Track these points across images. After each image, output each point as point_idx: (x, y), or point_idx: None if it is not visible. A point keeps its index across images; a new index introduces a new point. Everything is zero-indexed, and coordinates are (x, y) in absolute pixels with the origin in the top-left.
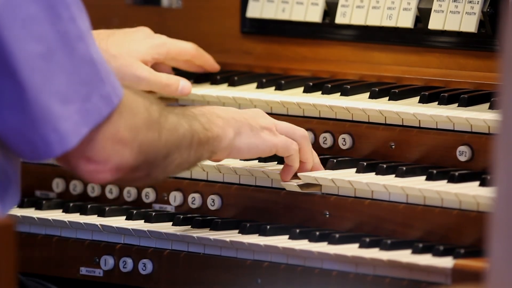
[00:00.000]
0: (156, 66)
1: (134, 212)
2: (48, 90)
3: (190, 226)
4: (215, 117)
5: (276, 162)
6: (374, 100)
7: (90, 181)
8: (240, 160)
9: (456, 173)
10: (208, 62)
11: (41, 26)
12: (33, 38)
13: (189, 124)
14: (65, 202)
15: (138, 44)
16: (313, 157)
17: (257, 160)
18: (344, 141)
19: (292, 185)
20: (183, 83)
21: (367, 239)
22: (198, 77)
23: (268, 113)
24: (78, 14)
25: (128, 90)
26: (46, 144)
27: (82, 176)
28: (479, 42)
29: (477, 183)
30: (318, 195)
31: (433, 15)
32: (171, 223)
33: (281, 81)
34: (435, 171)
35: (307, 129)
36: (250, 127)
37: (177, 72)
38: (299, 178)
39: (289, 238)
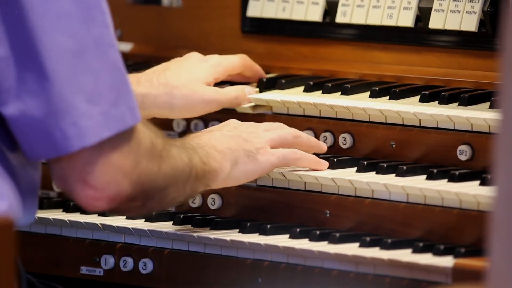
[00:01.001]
0: None
1: None
2: (74, 86)
3: (190, 226)
4: (213, 150)
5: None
6: (374, 99)
7: (86, 208)
8: None
9: (457, 172)
10: (258, 72)
11: (75, 23)
12: (65, 33)
13: (189, 159)
14: (66, 201)
15: (196, 70)
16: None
17: None
18: (344, 140)
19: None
20: (248, 90)
21: (368, 239)
22: None
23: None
24: (110, 23)
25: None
26: (64, 137)
27: (78, 200)
28: (479, 42)
29: (478, 182)
30: (318, 194)
31: (433, 14)
32: (171, 222)
33: (282, 80)
34: (435, 170)
35: (307, 128)
36: (246, 153)
37: None
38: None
39: (290, 238)
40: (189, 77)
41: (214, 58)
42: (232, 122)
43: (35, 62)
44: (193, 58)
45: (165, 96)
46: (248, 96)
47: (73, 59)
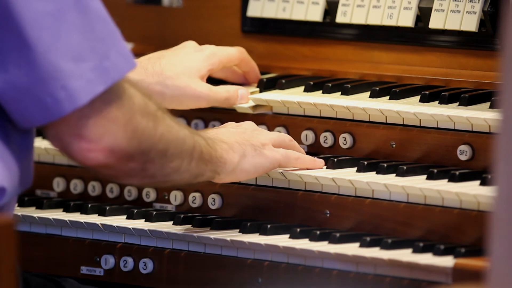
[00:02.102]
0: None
1: (135, 211)
2: (58, 48)
3: (190, 226)
4: (219, 141)
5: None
6: (374, 99)
7: (83, 162)
8: None
9: (457, 172)
10: (254, 68)
11: None
12: None
13: (191, 134)
14: (66, 201)
15: (190, 60)
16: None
17: None
18: (344, 140)
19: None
20: (242, 92)
21: (368, 238)
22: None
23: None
24: None
25: (129, 78)
26: (55, 102)
27: (75, 156)
28: (479, 41)
29: (478, 182)
30: (318, 194)
31: (433, 14)
32: (171, 222)
33: (282, 80)
34: (435, 170)
35: (307, 128)
36: (253, 147)
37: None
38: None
39: (290, 237)
40: (183, 69)
41: (210, 48)
42: (233, 123)
43: (15, 32)
44: (189, 47)
45: (158, 85)
46: (240, 98)
47: (53, 21)
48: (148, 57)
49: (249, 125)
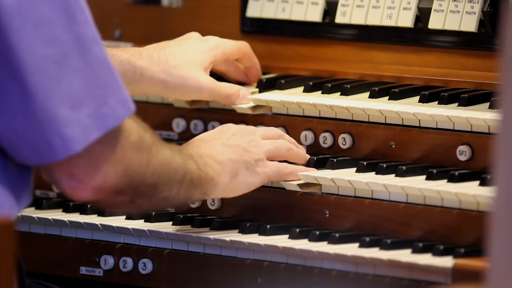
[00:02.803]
0: None
1: None
2: (57, 95)
3: (190, 226)
4: (212, 161)
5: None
6: (374, 99)
7: (71, 197)
8: None
9: (456, 173)
10: (255, 65)
11: (55, 28)
12: (46, 41)
13: (183, 161)
14: (65, 202)
15: (194, 51)
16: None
17: None
18: (344, 140)
19: (292, 185)
20: (243, 92)
21: (367, 239)
22: None
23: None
24: (91, 19)
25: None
26: (49, 148)
27: (64, 191)
28: (479, 42)
29: (477, 182)
30: (318, 194)
31: (433, 15)
32: (171, 222)
33: (281, 81)
34: (435, 171)
35: (307, 129)
36: (245, 165)
37: None
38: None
39: (289, 238)
40: (188, 59)
41: (214, 40)
42: (230, 127)
43: (15, 76)
44: (193, 38)
45: (163, 73)
46: (241, 98)
47: (54, 67)
48: (154, 46)
49: (245, 134)
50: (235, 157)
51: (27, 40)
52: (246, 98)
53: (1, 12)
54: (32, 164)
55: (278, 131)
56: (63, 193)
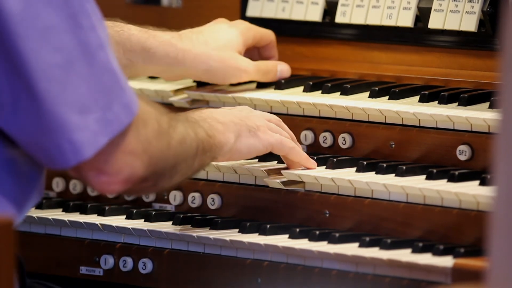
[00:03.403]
0: None
1: (134, 211)
2: (65, 101)
3: (190, 226)
4: (215, 122)
5: (276, 162)
6: (374, 99)
7: (101, 192)
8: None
9: (456, 172)
10: (276, 57)
11: (61, 36)
12: (52, 48)
13: (195, 133)
14: (65, 202)
15: (228, 35)
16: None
17: (257, 160)
18: (344, 140)
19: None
20: (281, 67)
21: (367, 239)
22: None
23: (268, 113)
24: (97, 23)
25: (140, 99)
26: (61, 155)
27: (93, 187)
28: (479, 42)
29: (477, 182)
30: (318, 194)
31: (433, 14)
32: (171, 222)
33: (281, 80)
34: (435, 171)
35: (307, 128)
36: (248, 128)
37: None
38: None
39: (289, 238)
40: (224, 43)
41: (244, 23)
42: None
43: (25, 83)
44: (221, 23)
45: (204, 56)
46: (280, 73)
47: (62, 73)
48: (190, 30)
49: (245, 107)
50: (237, 120)
51: (34, 47)
52: (287, 72)
53: (8, 21)
54: (48, 167)
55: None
56: (93, 189)
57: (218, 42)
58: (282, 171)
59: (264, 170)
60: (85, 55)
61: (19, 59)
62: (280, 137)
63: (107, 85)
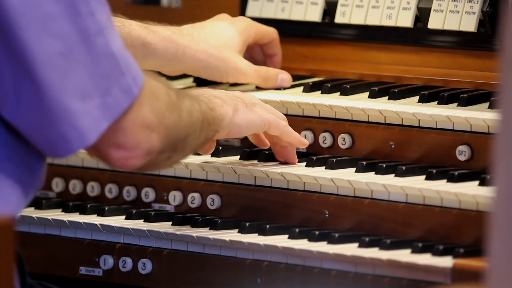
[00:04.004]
0: None
1: (134, 211)
2: (67, 88)
3: (189, 226)
4: (213, 97)
5: (278, 163)
6: (373, 99)
7: (121, 168)
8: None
9: (456, 173)
10: (279, 55)
11: (61, 24)
12: (52, 36)
13: (199, 106)
14: (65, 202)
15: (230, 32)
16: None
17: (257, 160)
18: (343, 140)
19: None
20: (282, 76)
21: (367, 239)
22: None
23: None
24: (97, 7)
25: (148, 75)
26: (65, 142)
27: (113, 163)
28: (478, 42)
29: (477, 182)
30: (317, 194)
31: (432, 15)
32: (170, 222)
33: None
34: (434, 171)
35: (306, 129)
36: (244, 104)
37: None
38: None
39: (289, 238)
40: (225, 40)
41: (245, 20)
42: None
43: (27, 71)
44: (223, 20)
45: (204, 53)
46: (281, 82)
47: (62, 61)
48: (192, 26)
49: (237, 92)
50: (232, 97)
51: (35, 36)
52: (287, 82)
53: (8, 10)
54: (50, 156)
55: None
56: (113, 166)
57: (219, 40)
58: (282, 171)
59: (263, 170)
60: (84, 42)
61: (20, 48)
62: (275, 116)
63: (107, 71)
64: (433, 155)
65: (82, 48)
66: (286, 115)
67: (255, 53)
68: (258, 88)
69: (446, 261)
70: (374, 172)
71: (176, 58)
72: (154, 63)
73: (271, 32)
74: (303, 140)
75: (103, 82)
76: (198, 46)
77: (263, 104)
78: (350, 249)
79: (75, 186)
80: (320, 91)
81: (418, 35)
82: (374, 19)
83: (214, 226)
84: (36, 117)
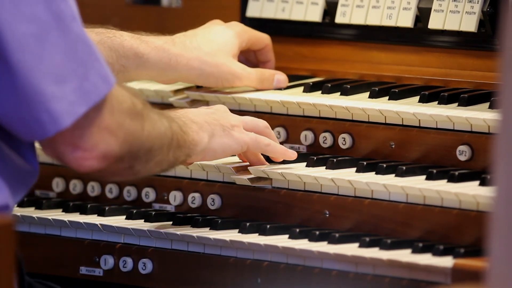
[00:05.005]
0: None
1: (134, 211)
2: (41, 71)
3: (190, 226)
4: (189, 121)
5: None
6: (374, 99)
7: (77, 169)
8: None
9: (456, 173)
10: (272, 61)
11: (34, 7)
12: (25, 19)
13: (169, 124)
14: (65, 202)
15: (223, 38)
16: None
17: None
18: (344, 140)
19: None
20: (278, 77)
21: (367, 239)
22: None
23: (268, 113)
24: None
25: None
26: (40, 125)
27: (69, 163)
28: (479, 42)
29: (477, 182)
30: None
31: (433, 15)
32: (171, 222)
33: None
34: (435, 171)
35: (307, 129)
36: (222, 127)
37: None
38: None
39: (289, 238)
40: (218, 46)
41: (239, 25)
42: (204, 106)
43: (0, 55)
44: (216, 25)
45: (197, 60)
46: (277, 83)
47: (36, 43)
48: (184, 34)
49: (220, 107)
50: (210, 120)
51: (8, 18)
52: (283, 82)
53: None
54: (27, 140)
55: (264, 123)
56: (68, 166)
57: (212, 45)
58: (282, 171)
59: (264, 170)
60: (59, 25)
61: None
62: (255, 135)
63: (83, 55)
64: (433, 155)
65: (58, 31)
66: (287, 115)
67: (250, 56)
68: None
69: (447, 261)
70: (374, 172)
71: (170, 67)
72: (148, 73)
73: (264, 38)
74: (289, 153)
75: (80, 66)
76: (191, 54)
77: (247, 122)
78: (351, 249)
79: (75, 186)
80: (320, 91)
81: (418, 35)
82: (375, 19)
83: (214, 226)
84: (10, 100)
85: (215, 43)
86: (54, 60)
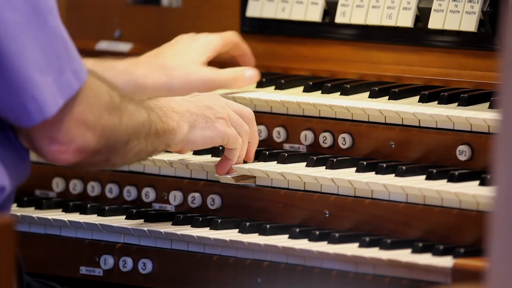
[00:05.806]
0: None
1: (134, 211)
2: (27, 59)
3: (190, 226)
4: (170, 111)
5: (276, 162)
6: (374, 99)
7: (52, 162)
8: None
9: (456, 173)
10: (247, 51)
11: None
12: (10, 7)
13: (147, 114)
14: (65, 202)
15: (188, 50)
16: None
17: (257, 160)
18: (344, 140)
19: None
20: (248, 72)
21: (367, 239)
22: None
23: (268, 113)
24: None
25: (91, 73)
26: (26, 113)
27: (45, 156)
28: (479, 42)
29: (477, 182)
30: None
31: (433, 15)
32: (171, 222)
33: (281, 81)
34: (435, 171)
35: (307, 129)
36: (205, 118)
37: None
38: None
39: (289, 238)
40: (183, 58)
41: (205, 36)
42: (203, 94)
43: None
44: (183, 40)
45: (164, 77)
46: (249, 78)
47: (20, 33)
48: (148, 54)
49: (209, 95)
50: (194, 110)
51: None
52: (255, 77)
53: None
54: (15, 125)
55: (250, 113)
56: (44, 159)
57: (177, 60)
58: (282, 171)
59: (264, 170)
60: (36, 17)
61: None
62: (236, 133)
63: (59, 50)
64: (433, 155)
65: (36, 23)
66: (287, 115)
67: (224, 60)
68: (258, 88)
69: (447, 261)
70: (374, 172)
71: (138, 88)
72: None
73: (228, 38)
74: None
75: (57, 60)
76: (156, 72)
77: (231, 115)
78: (351, 249)
79: (75, 186)
80: (320, 91)
81: (418, 35)
82: (375, 19)
83: (214, 226)
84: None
85: (179, 56)
86: (36, 50)
